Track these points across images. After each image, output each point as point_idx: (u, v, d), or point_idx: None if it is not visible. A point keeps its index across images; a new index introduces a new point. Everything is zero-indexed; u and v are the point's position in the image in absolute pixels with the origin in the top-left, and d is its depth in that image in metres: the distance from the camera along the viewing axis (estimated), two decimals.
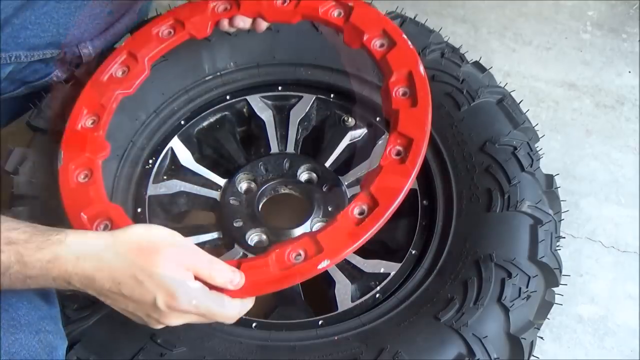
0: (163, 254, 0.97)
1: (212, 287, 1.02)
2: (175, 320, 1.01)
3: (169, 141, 1.52)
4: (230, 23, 1.39)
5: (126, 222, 1.15)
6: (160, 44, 1.37)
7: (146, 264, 0.96)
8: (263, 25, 1.40)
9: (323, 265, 1.05)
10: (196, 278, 1.00)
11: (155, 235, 1.00)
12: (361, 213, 1.10)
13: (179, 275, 0.98)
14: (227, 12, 1.38)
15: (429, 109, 1.19)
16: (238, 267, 1.05)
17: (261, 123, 1.56)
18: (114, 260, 0.96)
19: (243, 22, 1.39)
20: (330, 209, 1.44)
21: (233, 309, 1.05)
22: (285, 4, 1.37)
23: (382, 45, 1.30)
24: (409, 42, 1.28)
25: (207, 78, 1.54)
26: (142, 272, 0.96)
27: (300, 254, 1.07)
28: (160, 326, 1.03)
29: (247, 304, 1.07)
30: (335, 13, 1.35)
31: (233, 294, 1.04)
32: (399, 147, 1.17)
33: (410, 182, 1.13)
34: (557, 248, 1.30)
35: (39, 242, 0.94)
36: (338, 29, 1.34)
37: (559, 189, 1.40)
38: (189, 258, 1.00)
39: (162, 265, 0.97)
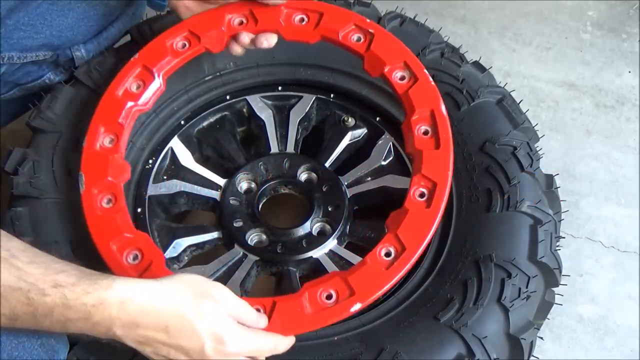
0: (214, 298, 0.98)
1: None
2: None
3: (169, 141, 1.51)
4: (254, 43, 1.34)
5: (155, 251, 1.17)
6: (175, 58, 1.34)
7: (197, 305, 0.96)
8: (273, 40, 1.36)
9: (355, 308, 1.09)
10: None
11: (203, 281, 1.00)
12: (387, 254, 1.14)
13: (229, 321, 0.99)
14: (243, 26, 1.34)
15: (451, 151, 1.21)
16: (273, 305, 1.09)
17: (261, 123, 1.56)
18: (163, 302, 0.95)
19: (267, 41, 1.33)
20: (330, 209, 1.44)
21: (271, 343, 1.06)
22: (304, 22, 1.35)
23: (402, 78, 1.29)
24: (430, 78, 1.28)
25: (206, 78, 1.54)
26: (193, 312, 0.96)
27: (331, 294, 1.10)
28: None
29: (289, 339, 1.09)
30: (355, 38, 1.33)
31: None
32: (422, 189, 1.19)
33: (435, 227, 1.16)
34: (557, 248, 1.30)
35: (85, 285, 0.91)
36: (358, 56, 1.33)
37: (559, 189, 1.40)
38: (234, 306, 1.01)
39: (213, 309, 0.97)
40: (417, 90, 1.27)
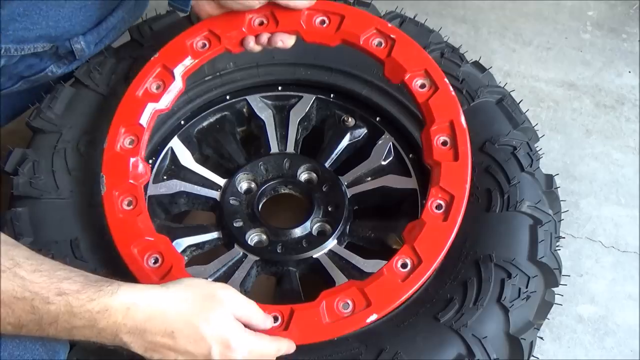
0: (220, 300, 0.98)
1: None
2: None
3: (169, 141, 1.51)
4: (269, 42, 1.34)
5: (175, 255, 1.18)
6: (195, 58, 1.34)
7: (204, 309, 0.96)
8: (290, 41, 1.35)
9: (371, 318, 1.11)
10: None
11: (208, 284, 1.00)
12: (404, 265, 1.15)
13: (235, 325, 0.99)
14: (264, 27, 1.33)
15: (469, 164, 1.22)
16: (291, 313, 1.10)
17: (261, 123, 1.56)
18: (168, 307, 0.95)
19: (283, 42, 1.33)
20: (330, 209, 1.44)
21: (274, 347, 1.06)
22: (325, 25, 1.33)
23: (422, 86, 1.29)
24: (451, 87, 1.28)
25: (206, 78, 1.54)
26: (199, 316, 0.95)
27: (348, 304, 1.12)
28: None
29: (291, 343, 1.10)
30: (376, 42, 1.32)
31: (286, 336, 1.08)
32: (439, 201, 1.20)
33: (452, 240, 1.17)
34: (557, 248, 1.30)
35: (90, 293, 0.91)
36: (379, 61, 1.32)
37: (559, 189, 1.40)
38: (241, 306, 1.01)
39: (220, 312, 0.97)
40: (437, 99, 1.26)
